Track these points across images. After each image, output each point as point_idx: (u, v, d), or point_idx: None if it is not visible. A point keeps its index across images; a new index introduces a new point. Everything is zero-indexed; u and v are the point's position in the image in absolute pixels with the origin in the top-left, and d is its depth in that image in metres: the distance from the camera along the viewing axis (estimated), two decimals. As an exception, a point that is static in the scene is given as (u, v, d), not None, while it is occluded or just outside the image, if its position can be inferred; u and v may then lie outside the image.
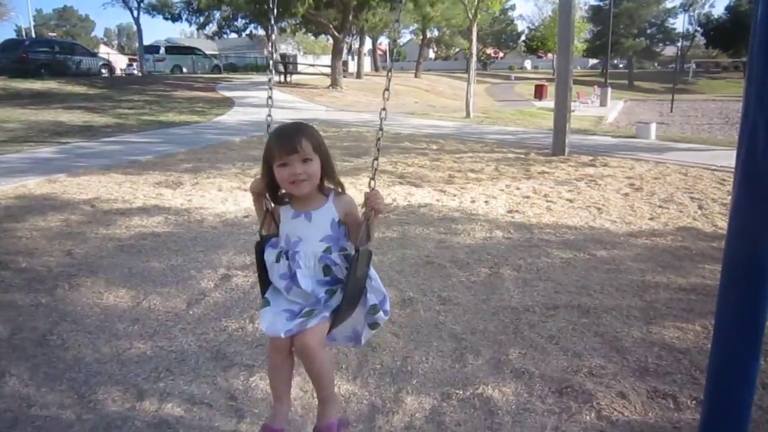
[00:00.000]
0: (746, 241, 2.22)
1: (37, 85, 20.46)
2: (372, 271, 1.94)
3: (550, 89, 27.15)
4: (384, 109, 1.97)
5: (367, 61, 47.82)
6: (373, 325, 2.02)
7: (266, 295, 1.94)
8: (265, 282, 1.98)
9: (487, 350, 3.21)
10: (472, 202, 6.68)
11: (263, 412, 2.64)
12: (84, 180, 7.66)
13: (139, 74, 34.19)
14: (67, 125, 13.54)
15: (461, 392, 2.81)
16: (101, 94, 20.45)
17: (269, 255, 1.92)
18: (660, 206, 6.45)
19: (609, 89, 31.49)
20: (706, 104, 33.92)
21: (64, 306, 3.76)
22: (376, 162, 1.93)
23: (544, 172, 8.54)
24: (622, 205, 6.50)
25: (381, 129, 2.02)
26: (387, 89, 2.01)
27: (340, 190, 1.96)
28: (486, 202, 6.70)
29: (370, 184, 1.92)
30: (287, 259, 1.86)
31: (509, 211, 6.27)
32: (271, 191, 1.94)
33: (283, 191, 1.94)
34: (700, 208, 6.37)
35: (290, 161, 1.80)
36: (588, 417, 2.61)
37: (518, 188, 7.42)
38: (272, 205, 1.97)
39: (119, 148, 10.73)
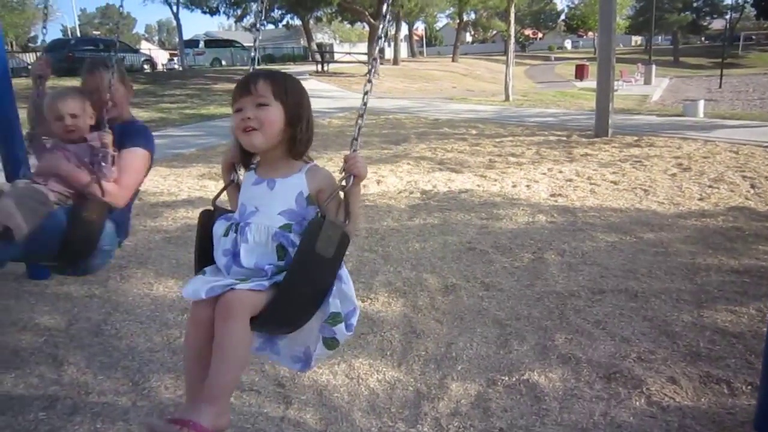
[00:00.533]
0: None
1: (84, 82, 21.07)
2: (344, 273, 1.57)
3: (592, 69, 26.50)
4: (370, 75, 1.77)
5: (403, 47, 47.56)
6: (330, 343, 1.58)
7: (205, 268, 1.66)
8: (200, 259, 1.70)
9: (532, 336, 3.18)
10: (514, 186, 6.60)
11: (310, 399, 2.69)
12: (131, 174, 7.86)
13: (180, 69, 34.84)
14: (113, 121, 13.91)
15: (507, 378, 2.79)
16: (144, 89, 20.91)
17: (218, 227, 1.62)
18: (710, 186, 6.24)
19: (653, 66, 30.57)
20: (758, 78, 32.55)
21: (116, 297, 3.89)
22: (360, 120, 1.71)
23: (587, 155, 8.36)
24: (670, 186, 6.32)
25: (369, 81, 1.76)
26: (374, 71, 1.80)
27: (306, 146, 1.65)
28: (528, 186, 6.61)
29: (351, 145, 1.63)
30: (235, 232, 1.56)
31: (552, 195, 6.17)
32: (245, 156, 1.68)
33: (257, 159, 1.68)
34: (752, 187, 6.14)
35: (243, 104, 1.55)
36: (638, 403, 2.56)
37: (561, 171, 7.29)
38: (239, 176, 1.70)
39: (163, 141, 10.97)
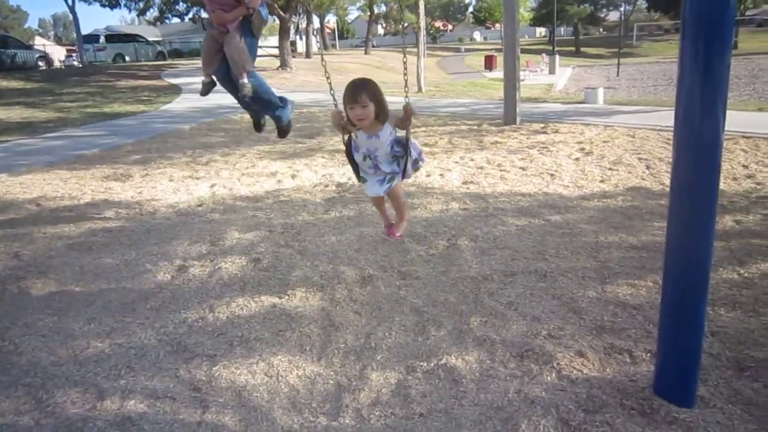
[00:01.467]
0: (687, 195, 2.30)
1: (-30, 82, 19.50)
2: (414, 142, 3.19)
3: (500, 60, 27.34)
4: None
5: (315, 41, 47.10)
6: (417, 168, 3.34)
7: (361, 176, 3.21)
8: (356, 171, 3.25)
9: (448, 321, 3.25)
10: (428, 175, 6.71)
11: (228, 401, 2.62)
12: (27, 179, 7.37)
13: (80, 65, 32.90)
14: (5, 122, 12.97)
15: (425, 364, 2.84)
16: (40, 88, 19.62)
17: (357, 156, 3.13)
18: (610, 169, 6.60)
19: (557, 57, 31.93)
20: (651, 67, 34.73)
21: (14, 310, 3.63)
22: (406, 77, 3.20)
23: (497, 142, 8.62)
24: (574, 170, 6.63)
25: (405, 72, 3.23)
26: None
27: (387, 113, 2.99)
28: (441, 175, 6.74)
29: (406, 99, 3.09)
30: (371, 158, 3.08)
31: (464, 183, 6.32)
32: (349, 122, 2.99)
33: None
34: (647, 168, 6.55)
35: (354, 107, 2.86)
36: (549, 378, 2.68)
37: (472, 159, 7.47)
38: (349, 127, 3.03)
39: (63, 143, 10.35)
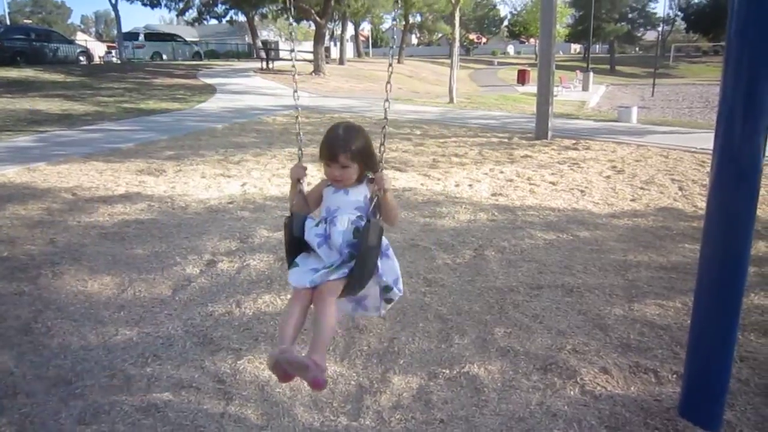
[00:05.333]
0: (724, 220, 2.27)
1: (13, 73, 20.05)
2: (390, 252, 2.27)
3: (533, 74, 27.23)
4: (387, 100, 2.31)
5: (349, 47, 47.52)
6: (389, 301, 2.36)
7: (296, 260, 2.20)
8: (291, 254, 2.23)
9: (472, 330, 3.25)
10: (457, 186, 6.71)
11: (252, 394, 2.66)
12: (64, 168, 7.56)
13: (118, 61, 33.65)
14: (45, 114, 13.32)
15: (447, 371, 2.84)
16: (79, 82, 20.10)
17: (310, 222, 2.23)
18: (641, 188, 6.53)
19: (591, 74, 31.65)
20: (687, 88, 34.24)
21: (47, 294, 3.73)
22: (382, 147, 2.23)
23: (528, 156, 8.58)
24: (605, 188, 6.57)
25: (386, 118, 2.26)
26: (389, 82, 2.35)
27: (374, 172, 2.23)
28: (470, 185, 6.73)
29: (379, 165, 2.22)
30: (326, 223, 2.20)
31: (493, 194, 6.31)
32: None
33: None
34: (680, 189, 6.46)
35: (331, 165, 2.16)
36: (572, 392, 2.66)
37: (502, 172, 7.45)
38: (305, 187, 2.33)
39: (99, 136, 10.59)
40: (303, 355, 2.01)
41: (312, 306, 2.10)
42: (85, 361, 2.94)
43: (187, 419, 2.48)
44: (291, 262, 2.20)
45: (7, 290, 3.76)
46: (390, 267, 2.26)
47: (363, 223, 2.14)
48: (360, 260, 2.09)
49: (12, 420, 2.45)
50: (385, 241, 2.20)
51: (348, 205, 2.20)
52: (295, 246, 2.22)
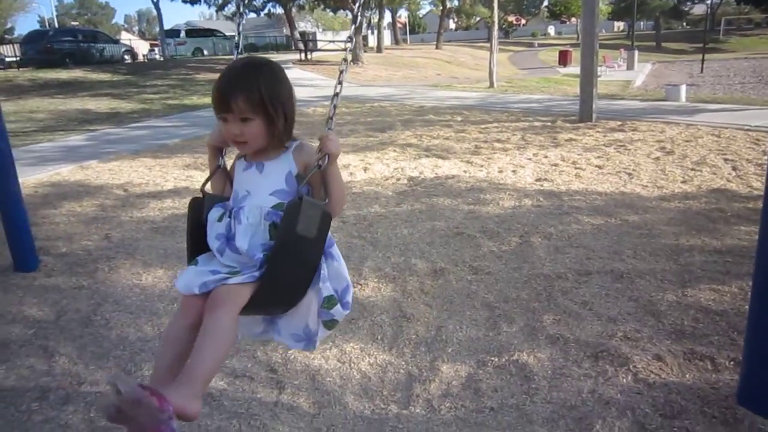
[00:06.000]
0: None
1: (63, 74, 20.76)
2: (335, 251, 1.63)
3: (575, 55, 26.60)
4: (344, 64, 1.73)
5: (387, 35, 47.35)
6: (330, 324, 1.64)
7: (197, 257, 1.63)
8: (192, 247, 1.67)
9: (520, 318, 3.23)
10: (500, 172, 6.64)
11: (303, 383, 2.71)
12: (115, 165, 7.81)
13: (161, 59, 34.41)
14: (95, 113, 13.76)
15: (496, 359, 2.83)
16: (125, 80, 20.66)
17: (213, 213, 1.62)
18: (692, 169, 6.32)
19: (636, 52, 30.74)
20: (739, 63, 32.88)
21: (105, 288, 3.87)
22: (336, 99, 1.68)
23: (572, 140, 8.41)
24: (653, 170, 6.39)
25: (342, 69, 1.72)
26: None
27: (302, 139, 1.66)
28: (513, 171, 6.65)
29: (327, 124, 1.62)
30: (230, 217, 1.57)
31: (537, 180, 6.22)
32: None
33: None
34: (734, 169, 6.23)
35: (227, 118, 1.53)
36: (625, 380, 2.62)
37: (546, 156, 7.33)
38: (225, 160, 1.72)
39: (146, 132, 10.88)
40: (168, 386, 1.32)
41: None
42: (143, 352, 3.05)
43: (242, 407, 2.55)
44: (190, 259, 1.63)
45: (68, 284, 3.92)
46: (336, 271, 1.62)
47: (281, 216, 1.50)
48: (281, 251, 1.46)
49: (78, 408, 2.57)
50: (328, 236, 1.56)
51: (261, 189, 1.57)
52: (198, 238, 1.65)
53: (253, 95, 1.49)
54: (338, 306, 1.60)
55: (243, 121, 1.51)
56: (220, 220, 1.59)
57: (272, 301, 1.55)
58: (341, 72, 1.69)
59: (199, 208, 1.67)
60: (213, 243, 1.59)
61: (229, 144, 1.65)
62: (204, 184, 1.72)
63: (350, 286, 1.67)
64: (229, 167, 1.73)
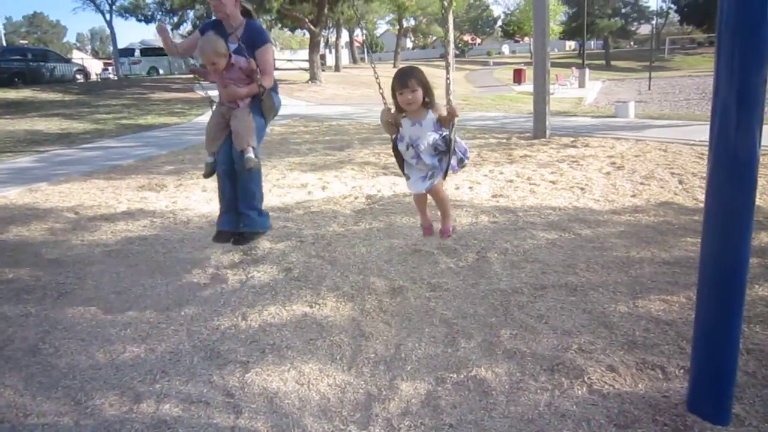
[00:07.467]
0: (723, 213, 2.28)
1: (11, 94, 20.16)
2: (458, 137, 3.20)
3: (529, 73, 27.26)
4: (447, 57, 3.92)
5: (345, 54, 47.62)
6: (462, 165, 3.39)
7: (405, 171, 3.29)
8: (401, 165, 3.31)
9: (478, 333, 3.26)
10: (456, 188, 6.72)
11: (261, 407, 2.67)
12: (65, 188, 7.60)
13: (115, 78, 33.78)
14: (45, 133, 13.38)
15: (455, 375, 2.85)
16: (77, 100, 20.20)
17: (401, 146, 3.20)
18: (641, 183, 6.53)
19: (587, 70, 31.69)
20: (683, 80, 34.25)
21: (54, 314, 3.75)
22: (449, 80, 3.42)
23: (527, 156, 8.60)
24: (605, 184, 6.58)
25: (447, 64, 3.81)
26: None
27: (431, 103, 3.12)
28: (470, 188, 6.74)
29: (449, 101, 3.12)
30: (413, 147, 3.14)
31: (493, 196, 6.32)
32: (400, 110, 3.15)
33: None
34: (680, 183, 6.46)
35: (404, 91, 3.02)
36: (580, 392, 2.66)
37: (501, 173, 7.47)
38: (398, 120, 3.18)
39: (99, 153, 10.63)
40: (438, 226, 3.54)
41: (429, 197, 3.38)
42: (94, 380, 2.95)
43: (198, 434, 2.49)
44: (403, 170, 3.31)
45: (14, 312, 3.78)
46: (459, 145, 3.25)
47: (439, 141, 3.10)
48: (449, 158, 3.13)
49: (24, 442, 2.46)
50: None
51: (424, 134, 3.11)
52: (401, 159, 3.27)
53: (417, 78, 3.03)
54: (464, 160, 3.35)
55: (412, 92, 3.01)
56: (407, 149, 3.17)
57: (449, 169, 3.21)
58: (447, 74, 3.46)
59: (396, 148, 3.26)
60: (411, 160, 3.22)
61: (390, 116, 3.19)
62: (392, 136, 3.27)
63: (467, 149, 3.39)
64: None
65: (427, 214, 3.59)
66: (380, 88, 3.21)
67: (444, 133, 3.11)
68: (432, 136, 3.10)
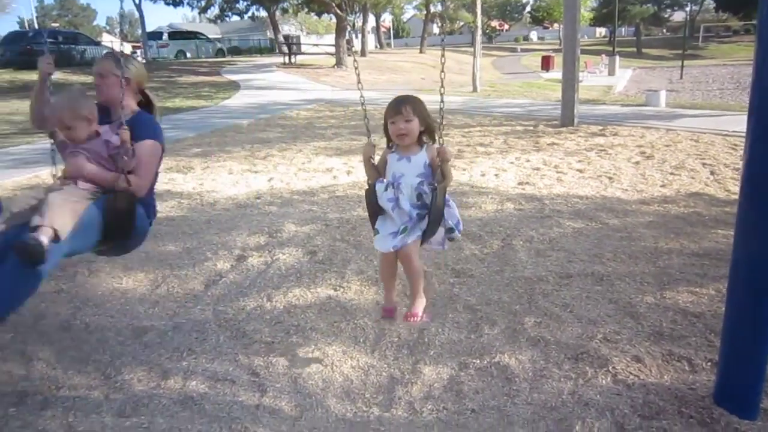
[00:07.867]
0: (758, 203, 2.23)
1: (44, 75, 20.48)
2: (451, 201, 2.63)
3: (557, 60, 26.86)
4: (442, 86, 2.58)
5: (371, 39, 47.44)
6: (451, 239, 2.76)
7: (376, 226, 2.60)
8: (373, 218, 2.63)
9: (502, 320, 3.25)
10: (482, 175, 6.68)
11: (285, 386, 2.70)
12: (96, 168, 7.71)
13: (144, 61, 34.14)
14: (76, 115, 13.59)
15: (478, 361, 2.85)
16: (107, 82, 20.44)
17: (380, 187, 2.56)
18: (671, 173, 6.42)
19: (617, 58, 31.07)
20: (717, 69, 33.38)
21: (85, 292, 3.83)
22: (442, 125, 2.60)
23: (554, 144, 8.50)
24: (633, 174, 6.48)
25: (442, 102, 2.60)
26: (442, 71, 2.56)
27: (431, 142, 2.62)
28: (496, 175, 6.70)
29: (440, 141, 2.57)
30: (393, 188, 2.54)
31: (519, 183, 6.27)
32: (387, 140, 2.65)
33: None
34: (712, 173, 6.33)
35: (396, 120, 2.52)
36: (604, 381, 2.65)
37: (528, 160, 7.40)
38: (383, 158, 2.65)
39: (128, 135, 10.77)
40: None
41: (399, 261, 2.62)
42: (123, 356, 3.02)
43: (223, 411, 2.54)
44: (374, 229, 2.62)
45: (47, 289, 3.86)
46: (451, 213, 2.66)
47: (425, 188, 2.52)
48: (433, 219, 2.51)
49: (56, 413, 2.53)
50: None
51: (410, 172, 2.55)
52: (375, 210, 2.63)
53: (413, 107, 2.53)
54: (455, 232, 2.67)
55: (406, 121, 2.50)
56: (386, 189, 2.53)
57: (427, 239, 2.60)
58: (441, 108, 2.58)
59: (372, 193, 2.59)
60: (387, 204, 2.53)
61: (373, 153, 2.65)
62: (368, 180, 2.64)
63: (460, 221, 2.69)
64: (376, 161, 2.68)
65: (392, 290, 2.76)
66: (365, 117, 2.71)
67: (433, 183, 2.50)
68: (418, 180, 2.51)
